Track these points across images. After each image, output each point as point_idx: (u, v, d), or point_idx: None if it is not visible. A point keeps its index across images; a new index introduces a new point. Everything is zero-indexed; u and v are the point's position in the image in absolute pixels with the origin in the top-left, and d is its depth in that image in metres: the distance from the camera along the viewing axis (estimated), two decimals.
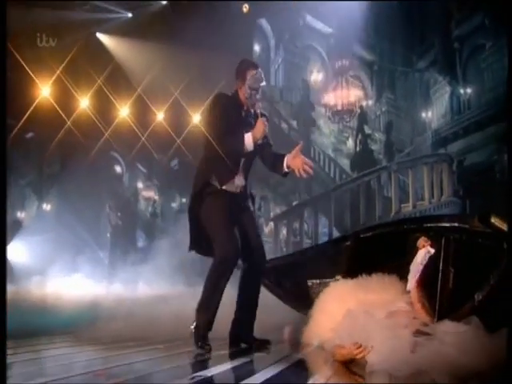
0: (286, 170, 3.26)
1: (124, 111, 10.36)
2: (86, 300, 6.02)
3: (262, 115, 3.40)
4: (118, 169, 11.56)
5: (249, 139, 3.25)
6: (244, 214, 3.43)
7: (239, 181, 3.40)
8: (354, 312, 2.81)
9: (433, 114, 11.98)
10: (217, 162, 3.30)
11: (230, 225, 3.28)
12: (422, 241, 3.06)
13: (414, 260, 3.03)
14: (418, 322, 2.77)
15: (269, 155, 3.45)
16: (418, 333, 2.64)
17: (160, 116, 10.55)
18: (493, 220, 2.98)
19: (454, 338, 2.52)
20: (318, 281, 3.51)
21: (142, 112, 10.33)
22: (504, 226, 2.94)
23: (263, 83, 3.38)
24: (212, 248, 3.28)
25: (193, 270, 6.79)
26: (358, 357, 2.52)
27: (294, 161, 3.20)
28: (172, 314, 4.48)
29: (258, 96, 3.34)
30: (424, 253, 3.02)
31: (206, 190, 3.39)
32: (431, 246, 3.06)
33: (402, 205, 10.83)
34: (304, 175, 3.22)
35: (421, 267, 3.00)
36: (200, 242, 3.42)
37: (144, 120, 10.42)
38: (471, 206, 10.31)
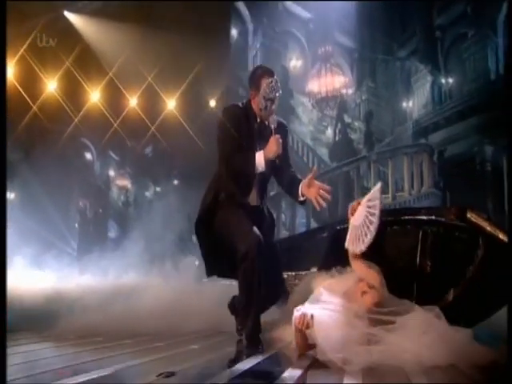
0: (302, 198, 3.00)
1: (95, 95, 10.07)
2: (51, 294, 5.80)
3: (279, 126, 3.11)
4: (88, 156, 11.32)
5: (260, 158, 2.98)
6: (261, 224, 3.14)
7: (253, 201, 3.16)
8: (313, 300, 2.77)
9: (414, 104, 12.01)
10: (228, 180, 3.08)
11: (248, 221, 3.01)
12: (352, 207, 3.04)
13: (353, 221, 3.00)
14: (368, 298, 2.72)
15: (285, 178, 3.16)
16: (379, 322, 2.58)
17: (133, 101, 10.36)
18: (469, 215, 2.99)
19: (415, 330, 2.50)
20: (293, 273, 3.46)
21: (114, 97, 10.08)
22: (480, 221, 2.95)
23: (279, 92, 3.07)
24: (234, 265, 2.98)
25: (166, 261, 6.85)
26: (299, 327, 2.56)
27: (309, 190, 2.95)
28: (144, 309, 4.33)
29: (273, 107, 3.05)
30: (363, 211, 2.98)
31: (218, 205, 3.16)
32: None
33: (382, 196, 10.58)
34: (323, 204, 2.97)
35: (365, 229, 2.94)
36: (219, 262, 3.17)
37: (116, 105, 10.18)
38: (451, 197, 10.33)
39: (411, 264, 3.06)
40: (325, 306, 2.66)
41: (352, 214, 3.01)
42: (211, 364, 2.66)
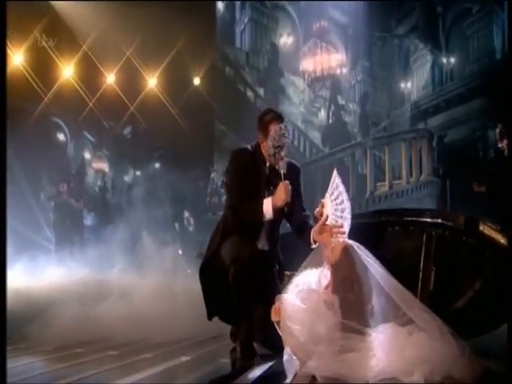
0: (314, 245, 2.90)
1: (67, 71, 9.67)
2: (22, 295, 5.32)
3: (290, 168, 3.07)
4: (61, 137, 10.87)
5: (268, 206, 2.97)
6: (269, 269, 3.10)
7: (261, 245, 3.11)
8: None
9: (412, 85, 11.88)
10: (235, 226, 3.05)
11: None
12: (318, 212, 2.90)
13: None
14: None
15: (296, 222, 3.11)
16: (352, 331, 2.48)
17: (110, 78, 10.06)
18: (481, 227, 2.91)
19: (389, 342, 2.41)
20: (288, 273, 3.24)
21: (89, 73, 9.77)
22: (493, 234, 2.87)
23: (289, 139, 3.06)
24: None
25: (148, 251, 6.66)
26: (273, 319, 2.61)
27: (321, 237, 2.85)
28: (129, 311, 4.25)
29: (282, 153, 3.00)
30: (330, 208, 2.85)
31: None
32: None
33: (378, 183, 10.62)
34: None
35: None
36: (222, 305, 3.08)
37: (91, 82, 9.88)
38: (452, 186, 10.09)
39: (413, 267, 2.99)
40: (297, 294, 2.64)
41: (320, 215, 2.89)
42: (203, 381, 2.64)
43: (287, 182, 2.96)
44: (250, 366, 2.70)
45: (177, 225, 11.31)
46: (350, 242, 2.72)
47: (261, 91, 12.08)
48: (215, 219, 10.89)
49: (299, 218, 3.08)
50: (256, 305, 2.90)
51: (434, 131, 10.90)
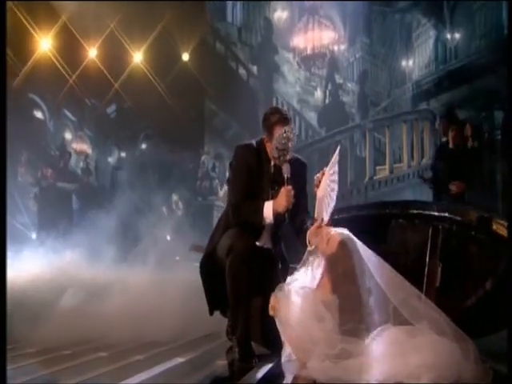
0: (310, 248, 2.94)
1: (45, 43, 9.23)
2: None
3: (296, 166, 3.11)
4: (39, 115, 10.56)
5: (268, 211, 3.03)
6: (272, 268, 3.16)
7: (264, 243, 3.17)
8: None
9: (414, 63, 11.75)
10: (236, 224, 3.11)
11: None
12: (318, 178, 3.00)
13: (318, 194, 2.97)
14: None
15: (296, 222, 3.16)
16: (351, 334, 2.49)
17: (92, 52, 9.68)
18: (495, 227, 2.85)
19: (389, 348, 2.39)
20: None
21: (69, 46, 9.38)
22: (506, 232, 2.80)
23: (294, 142, 3.08)
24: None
25: (135, 237, 6.76)
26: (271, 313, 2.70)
27: (316, 240, 2.92)
28: (117, 307, 4.05)
29: (287, 157, 3.05)
30: (326, 180, 2.93)
31: None
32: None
33: (378, 167, 10.43)
34: None
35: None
36: (222, 298, 3.12)
37: (72, 56, 9.52)
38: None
39: (419, 263, 2.96)
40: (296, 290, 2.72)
41: (317, 186, 3.00)
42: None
43: (290, 187, 2.99)
44: (248, 368, 2.73)
45: (165, 209, 11.20)
46: (346, 233, 2.73)
47: (254, 69, 11.88)
48: (206, 205, 10.82)
49: (301, 218, 3.12)
50: (254, 301, 2.98)
51: (437, 112, 10.65)
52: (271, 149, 3.08)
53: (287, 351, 2.59)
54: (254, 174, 3.13)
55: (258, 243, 3.14)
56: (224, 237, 3.09)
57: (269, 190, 3.11)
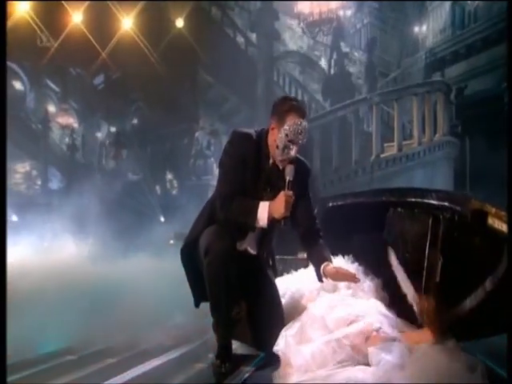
0: (323, 281, 2.89)
1: (22, 6, 8.86)
2: None
3: (299, 168, 2.97)
4: (17, 85, 10.41)
5: (263, 213, 2.87)
6: (256, 278, 3.07)
7: (249, 247, 3.02)
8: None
9: (428, 29, 11.55)
10: (220, 221, 2.94)
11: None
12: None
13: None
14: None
15: (304, 233, 3.01)
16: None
17: (77, 17, 9.40)
18: (490, 221, 2.71)
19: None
20: (277, 256, 3.29)
21: (51, 10, 9.15)
22: (504, 227, 2.65)
23: (303, 140, 2.89)
24: None
25: (121, 218, 6.88)
26: None
27: (335, 276, 2.85)
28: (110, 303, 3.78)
29: (292, 153, 2.85)
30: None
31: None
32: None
33: (386, 144, 9.91)
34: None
35: None
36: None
37: (54, 21, 9.32)
38: (472, 147, 9.57)
39: (418, 256, 2.90)
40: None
41: None
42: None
43: (290, 192, 2.83)
44: (224, 372, 2.69)
45: (158, 188, 11.18)
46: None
47: (252, 36, 11.57)
48: (200, 185, 10.54)
49: (307, 228, 3.01)
50: (237, 304, 2.93)
51: (452, 83, 10.30)
52: (275, 138, 2.87)
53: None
54: (248, 169, 2.93)
55: (239, 247, 2.96)
56: (205, 232, 2.92)
57: (262, 191, 2.94)
